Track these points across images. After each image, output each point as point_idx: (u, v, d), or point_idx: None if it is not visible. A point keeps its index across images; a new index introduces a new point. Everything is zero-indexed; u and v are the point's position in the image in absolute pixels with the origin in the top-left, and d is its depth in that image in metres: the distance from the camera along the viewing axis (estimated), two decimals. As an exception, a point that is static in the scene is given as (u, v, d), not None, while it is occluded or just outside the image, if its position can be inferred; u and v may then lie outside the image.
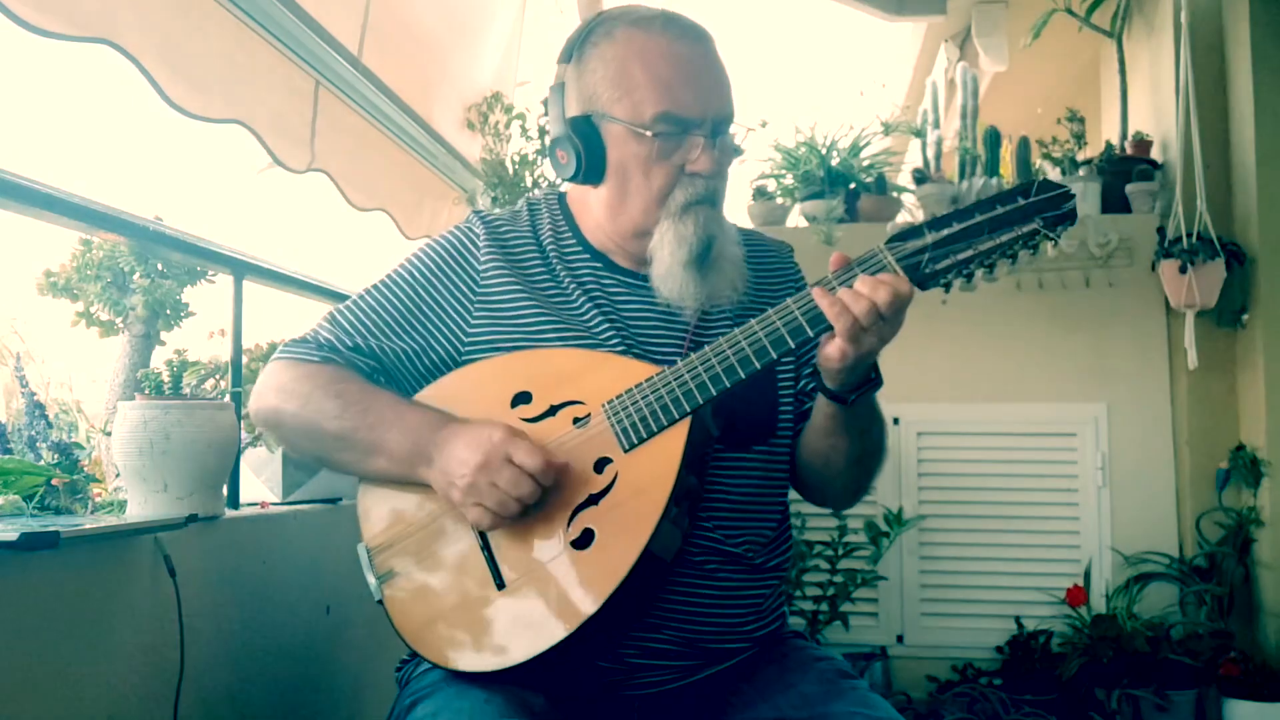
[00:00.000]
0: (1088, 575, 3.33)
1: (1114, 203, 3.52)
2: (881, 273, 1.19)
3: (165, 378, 1.68)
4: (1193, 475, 3.35)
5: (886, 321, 1.18)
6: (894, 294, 1.17)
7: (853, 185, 3.69)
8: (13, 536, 1.20)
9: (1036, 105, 4.73)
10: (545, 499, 1.25)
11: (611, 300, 1.40)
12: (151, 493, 1.59)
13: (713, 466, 1.36)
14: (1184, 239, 3.23)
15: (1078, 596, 3.27)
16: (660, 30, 1.35)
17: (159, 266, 1.98)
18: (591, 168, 1.36)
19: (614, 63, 1.35)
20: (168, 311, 1.96)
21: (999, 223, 1.17)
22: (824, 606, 3.26)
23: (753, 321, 1.24)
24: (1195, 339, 3.25)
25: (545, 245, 1.43)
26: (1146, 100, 3.74)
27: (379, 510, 1.38)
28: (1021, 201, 1.17)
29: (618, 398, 1.27)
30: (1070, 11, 3.85)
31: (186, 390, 1.72)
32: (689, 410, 1.24)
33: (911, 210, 3.74)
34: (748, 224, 3.68)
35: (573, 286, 1.40)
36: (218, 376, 1.96)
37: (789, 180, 3.76)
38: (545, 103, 1.51)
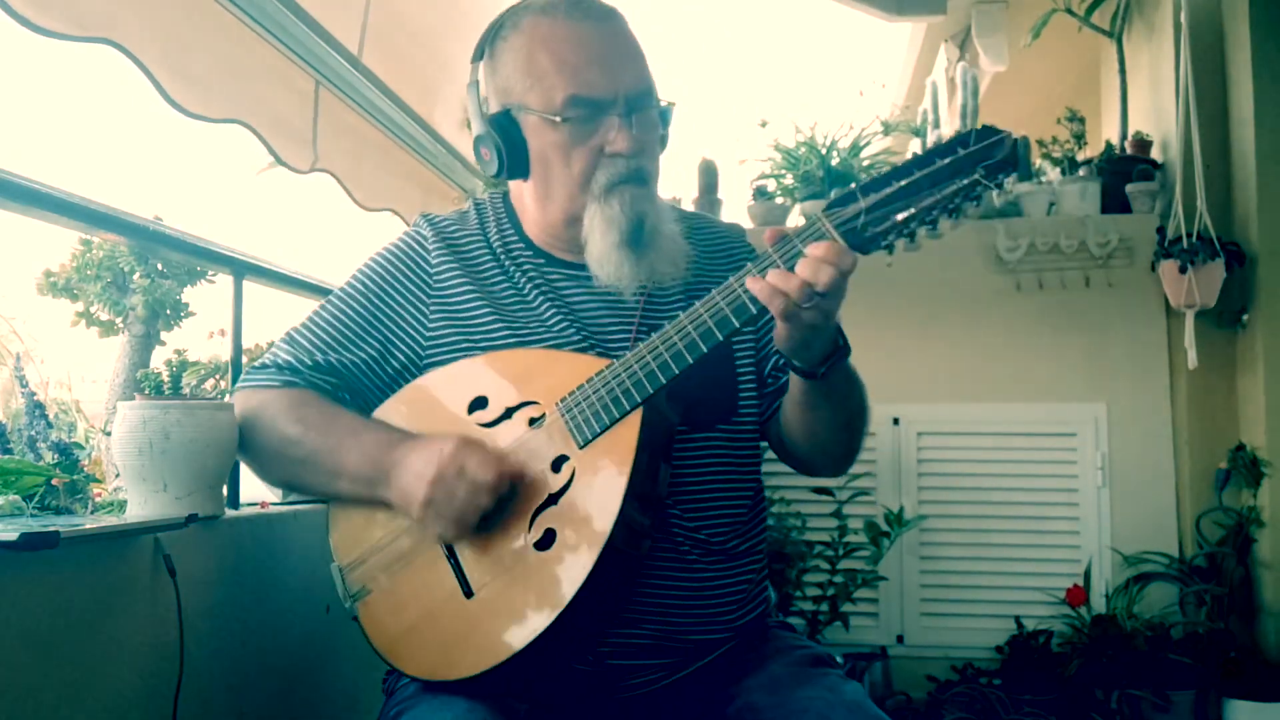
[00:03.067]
0: (1088, 575, 3.33)
1: (1114, 203, 3.52)
2: (820, 240, 1.15)
3: (165, 378, 1.68)
4: (1193, 475, 3.35)
5: (825, 296, 1.15)
6: (833, 269, 1.13)
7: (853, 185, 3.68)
8: (13, 536, 1.20)
9: (1036, 105, 4.73)
10: (506, 503, 1.25)
11: (559, 294, 1.40)
12: (151, 493, 1.59)
13: (678, 454, 1.34)
14: (1184, 239, 3.23)
15: (1078, 596, 3.27)
16: (564, 15, 1.34)
17: (159, 266, 1.98)
18: (514, 161, 1.36)
19: (522, 52, 1.35)
20: (168, 311, 1.97)
21: (939, 176, 1.13)
22: (824, 607, 3.26)
23: (697, 304, 1.22)
24: (1195, 339, 3.25)
25: (494, 244, 1.44)
26: (1146, 100, 3.73)
27: (349, 529, 1.38)
28: (961, 152, 1.12)
29: (570, 395, 1.27)
30: (1070, 11, 3.84)
31: (186, 390, 1.72)
32: (640, 400, 1.23)
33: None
34: (748, 224, 3.69)
35: (525, 282, 1.40)
36: (218, 376, 1.96)
37: (789, 180, 3.76)
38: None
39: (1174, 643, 3.15)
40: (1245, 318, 3.29)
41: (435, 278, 1.41)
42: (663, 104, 1.39)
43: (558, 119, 1.32)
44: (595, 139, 1.33)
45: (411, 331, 1.41)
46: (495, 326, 1.37)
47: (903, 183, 1.14)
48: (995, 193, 1.12)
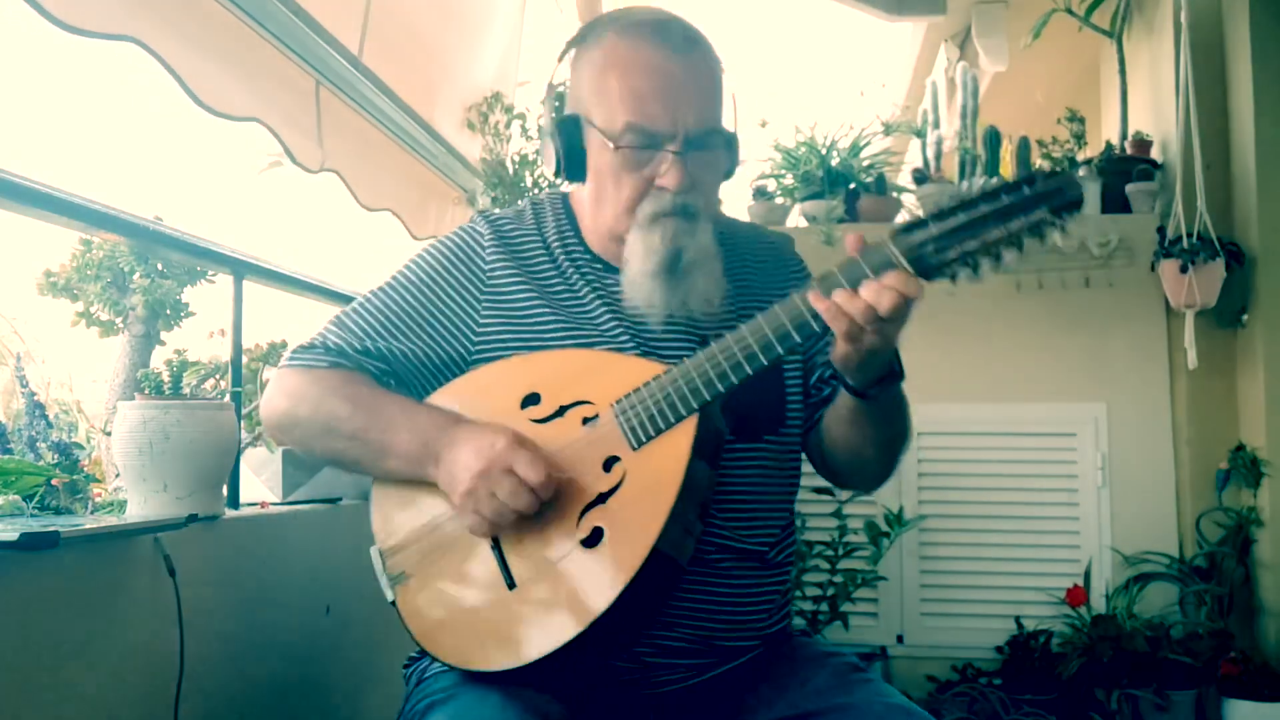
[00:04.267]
0: (1088, 575, 3.33)
1: (1114, 203, 3.52)
2: (887, 270, 1.17)
3: (165, 378, 1.68)
4: (1193, 475, 3.35)
5: (888, 321, 1.17)
6: (899, 296, 1.16)
7: (853, 185, 3.69)
8: (13, 536, 1.21)
9: (1036, 105, 4.73)
10: (554, 499, 1.26)
11: (615, 299, 1.40)
12: (151, 493, 1.59)
13: (725, 462, 1.35)
14: (1184, 239, 3.23)
15: (1078, 596, 3.27)
16: (645, 39, 1.34)
17: (159, 266, 1.98)
18: (571, 166, 1.39)
19: (596, 67, 1.36)
20: (168, 311, 1.97)
21: (1005, 213, 1.15)
22: (824, 606, 3.26)
23: (759, 317, 1.23)
24: (1195, 339, 3.25)
25: (551, 244, 1.44)
26: (1146, 100, 3.74)
27: (391, 512, 1.37)
28: (1027, 191, 1.15)
29: (625, 397, 1.28)
30: (1070, 11, 3.85)
31: (186, 390, 1.72)
32: (696, 407, 1.24)
33: (912, 210, 3.74)
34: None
35: (581, 285, 1.41)
36: (218, 376, 1.96)
37: (789, 180, 3.76)
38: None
39: (1174, 643, 3.15)
40: (1245, 318, 3.29)
41: (489, 275, 1.42)
42: (732, 136, 1.39)
43: (613, 144, 1.33)
44: (648, 170, 1.34)
45: (462, 327, 1.41)
46: (550, 325, 1.38)
47: (969, 216, 1.16)
48: (1059, 233, 1.16)
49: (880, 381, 1.27)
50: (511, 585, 1.27)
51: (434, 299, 1.42)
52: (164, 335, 1.99)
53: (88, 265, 1.93)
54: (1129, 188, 3.50)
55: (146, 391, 1.66)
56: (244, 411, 1.97)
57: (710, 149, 1.36)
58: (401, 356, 1.41)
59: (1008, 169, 3.72)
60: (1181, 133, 3.37)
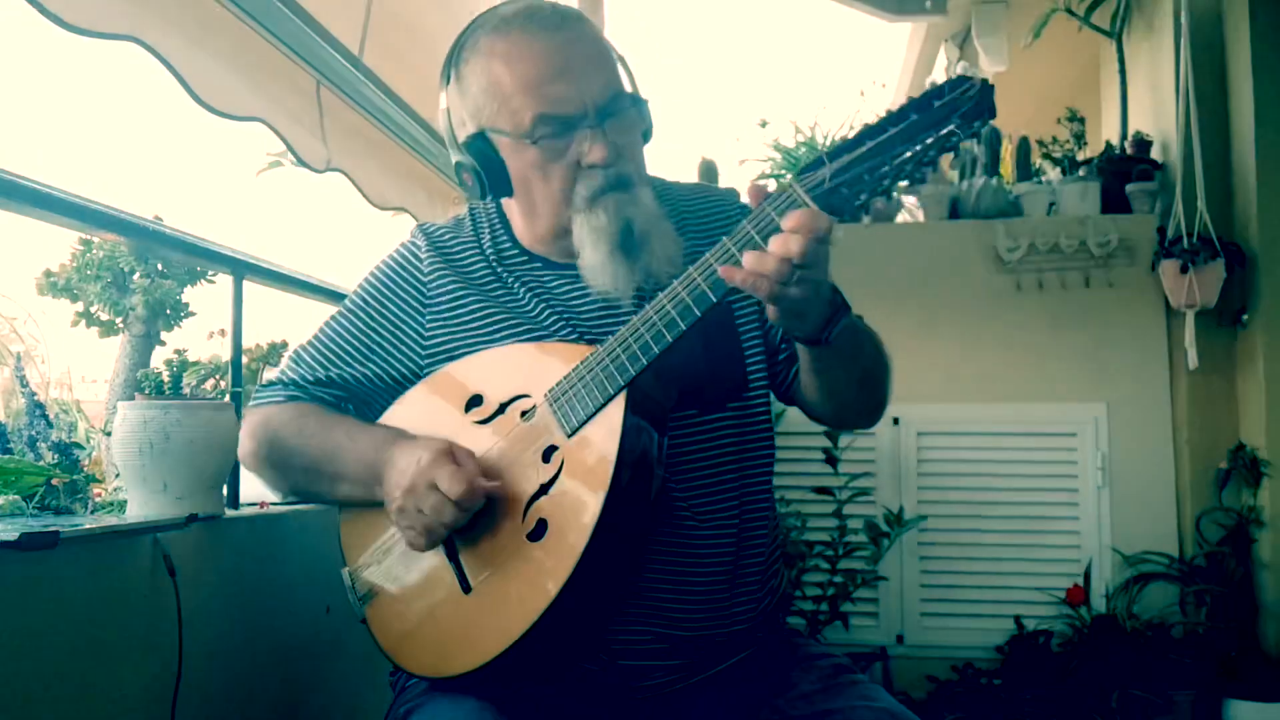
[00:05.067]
0: (1088, 575, 3.33)
1: (1114, 203, 3.52)
2: (793, 207, 1.13)
3: (165, 378, 1.68)
4: (1193, 475, 3.35)
5: (806, 267, 1.11)
6: (809, 238, 1.10)
7: (852, 185, 3.68)
8: (13, 536, 1.21)
9: (1037, 105, 4.74)
10: (482, 515, 1.25)
11: (554, 294, 1.40)
12: (151, 493, 1.59)
13: (683, 434, 1.34)
14: (1184, 239, 3.23)
15: (1078, 596, 3.27)
16: (520, 29, 1.32)
17: (159, 266, 1.98)
18: (496, 183, 1.36)
19: (484, 75, 1.33)
20: (168, 311, 1.97)
21: (914, 130, 1.10)
22: (824, 606, 3.26)
23: (675, 282, 1.20)
24: (1195, 339, 3.25)
25: (486, 249, 1.44)
26: (1146, 100, 3.73)
27: (357, 533, 1.40)
28: (936, 104, 1.10)
29: (557, 384, 1.27)
30: (1070, 11, 3.85)
31: (186, 390, 1.72)
32: (623, 384, 1.22)
33: (911, 210, 3.74)
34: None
35: (516, 284, 1.41)
36: (218, 376, 1.96)
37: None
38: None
39: (1174, 643, 3.15)
40: (1245, 318, 3.29)
41: (429, 287, 1.43)
42: (636, 95, 1.36)
43: (528, 140, 1.31)
44: (570, 154, 1.32)
45: (410, 342, 1.43)
46: (491, 329, 1.39)
47: (876, 141, 1.12)
48: (973, 141, 1.11)
49: (828, 324, 1.22)
50: (467, 589, 1.27)
51: (379, 320, 1.44)
52: (164, 335, 2.00)
53: (88, 265, 1.93)
54: (1129, 188, 3.50)
55: (146, 391, 1.66)
56: (244, 413, 1.97)
57: (622, 113, 1.34)
58: (355, 381, 1.44)
59: (1008, 169, 3.72)
60: (1181, 133, 3.37)
